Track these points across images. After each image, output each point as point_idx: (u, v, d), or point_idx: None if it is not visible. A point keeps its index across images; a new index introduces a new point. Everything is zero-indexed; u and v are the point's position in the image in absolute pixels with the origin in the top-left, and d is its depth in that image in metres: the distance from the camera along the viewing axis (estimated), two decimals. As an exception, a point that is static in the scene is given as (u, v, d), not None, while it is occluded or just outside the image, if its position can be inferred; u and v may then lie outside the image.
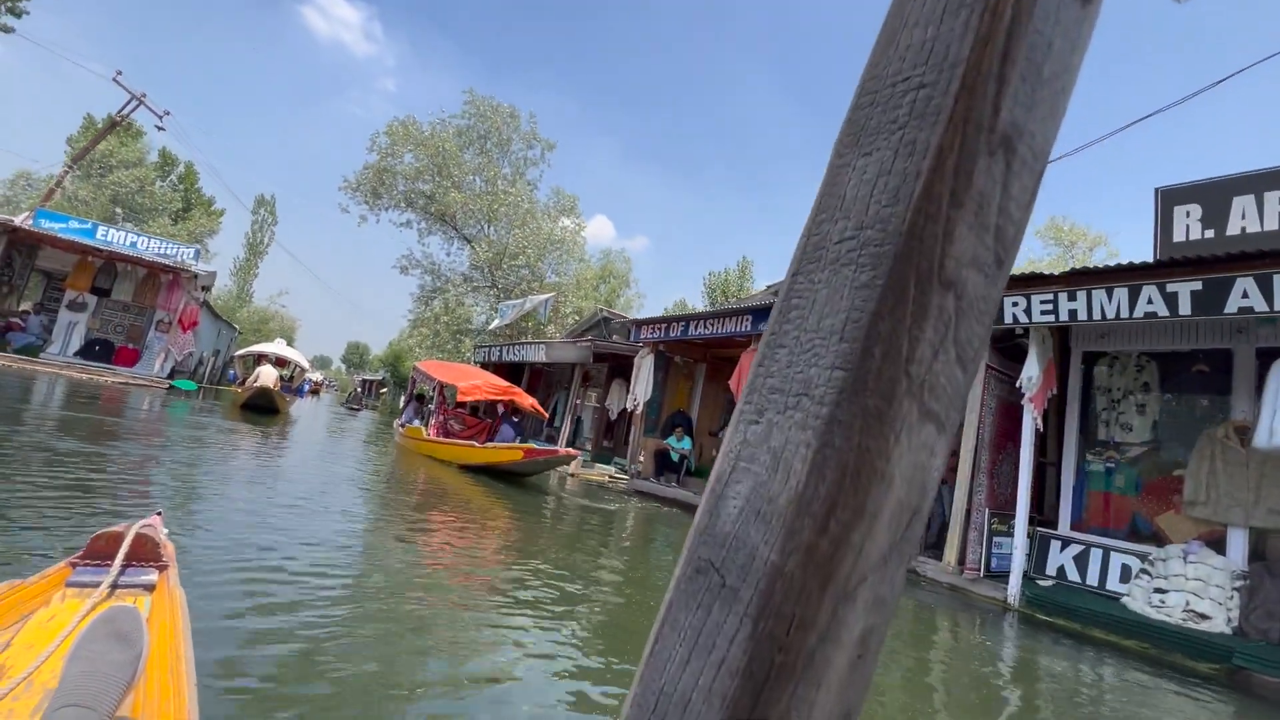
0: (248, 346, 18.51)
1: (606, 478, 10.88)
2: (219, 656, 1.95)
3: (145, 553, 1.64)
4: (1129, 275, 4.97)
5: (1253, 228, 6.08)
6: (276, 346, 16.95)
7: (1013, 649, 4.11)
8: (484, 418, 11.81)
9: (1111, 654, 4.24)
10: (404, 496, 6.20)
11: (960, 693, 3.01)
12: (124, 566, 1.57)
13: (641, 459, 10.51)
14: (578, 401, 13.94)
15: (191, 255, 16.65)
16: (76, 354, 14.62)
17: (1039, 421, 5.59)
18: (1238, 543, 4.95)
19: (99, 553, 1.60)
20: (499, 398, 10.14)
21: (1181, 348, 5.76)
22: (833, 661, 0.29)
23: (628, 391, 11.08)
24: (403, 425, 11.72)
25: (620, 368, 12.68)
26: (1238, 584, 4.61)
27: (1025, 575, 5.41)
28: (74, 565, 1.56)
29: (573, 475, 10.84)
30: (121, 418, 7.87)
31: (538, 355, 14.07)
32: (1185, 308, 4.60)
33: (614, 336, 15.60)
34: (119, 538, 1.61)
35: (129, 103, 17.44)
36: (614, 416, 13.28)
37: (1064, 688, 3.38)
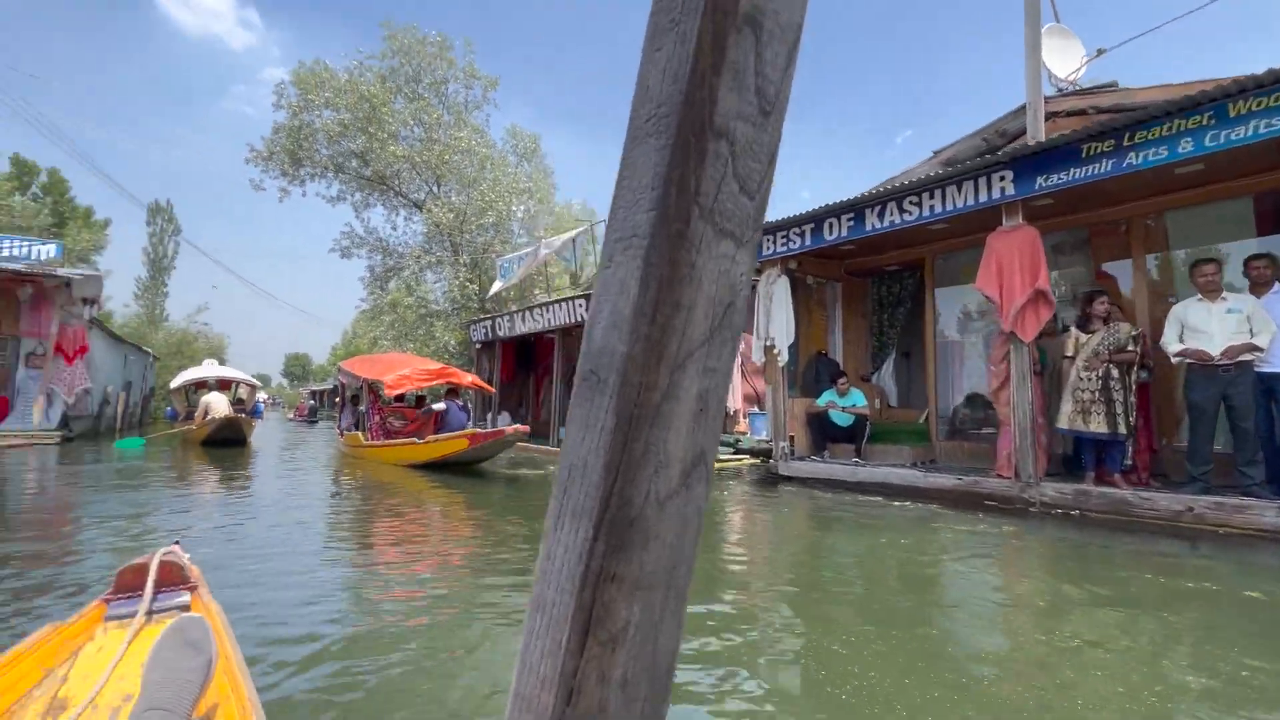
0: (175, 376, 16.17)
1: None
2: (267, 670, 2.03)
3: (173, 577, 1.71)
4: None
5: None
6: (211, 369, 15.20)
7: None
8: (429, 410, 11.10)
9: None
10: (385, 514, 6.23)
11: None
12: (155, 593, 1.64)
13: (791, 431, 7.54)
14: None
15: (54, 253, 12.90)
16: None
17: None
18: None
19: (128, 585, 1.66)
20: (433, 383, 9.49)
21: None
22: (677, 413, 0.42)
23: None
24: (341, 433, 11.35)
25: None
26: None
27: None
28: (108, 601, 1.64)
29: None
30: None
31: (569, 316, 10.95)
32: None
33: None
34: (144, 568, 1.68)
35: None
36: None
37: None
